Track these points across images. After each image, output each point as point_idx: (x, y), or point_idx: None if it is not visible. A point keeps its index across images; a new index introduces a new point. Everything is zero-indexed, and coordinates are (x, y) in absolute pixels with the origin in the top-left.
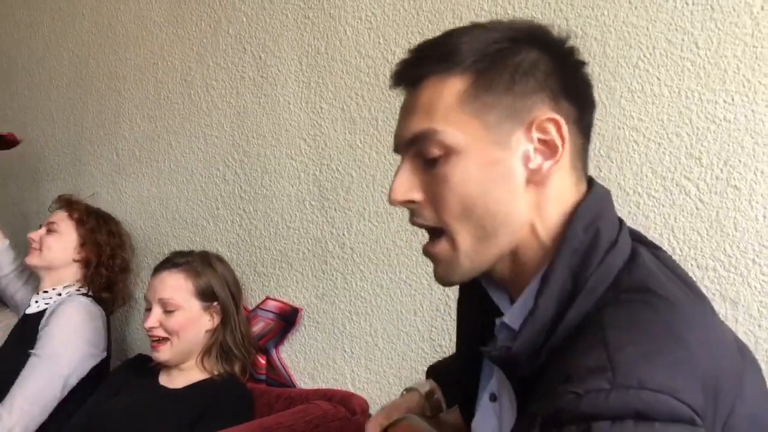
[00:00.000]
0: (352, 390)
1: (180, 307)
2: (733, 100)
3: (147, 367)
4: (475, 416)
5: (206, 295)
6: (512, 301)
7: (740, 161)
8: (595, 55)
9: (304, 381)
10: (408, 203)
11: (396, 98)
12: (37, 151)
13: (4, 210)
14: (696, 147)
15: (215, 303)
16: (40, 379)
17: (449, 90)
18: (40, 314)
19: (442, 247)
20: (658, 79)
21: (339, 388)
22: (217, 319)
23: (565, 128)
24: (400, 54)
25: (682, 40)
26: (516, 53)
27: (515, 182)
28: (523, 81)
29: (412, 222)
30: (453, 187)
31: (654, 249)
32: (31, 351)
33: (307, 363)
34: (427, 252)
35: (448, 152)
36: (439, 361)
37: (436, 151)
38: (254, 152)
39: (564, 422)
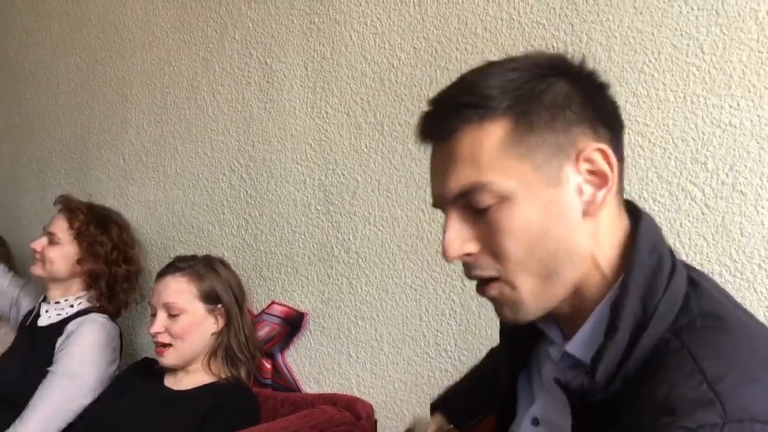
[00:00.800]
0: (357, 395)
1: (184, 310)
2: (738, 105)
3: (152, 370)
4: None
5: (210, 298)
6: (562, 330)
7: (746, 166)
8: (600, 60)
9: (309, 385)
10: (465, 257)
11: (401, 104)
12: (45, 156)
13: (10, 215)
14: (701, 152)
15: (219, 306)
16: (59, 399)
17: (490, 137)
18: (54, 327)
19: (501, 289)
20: (664, 84)
21: (344, 393)
22: (221, 322)
23: (612, 155)
24: (405, 59)
25: (688, 45)
26: (547, 88)
27: (573, 217)
28: (562, 115)
29: (469, 276)
30: (512, 235)
31: (702, 275)
32: (48, 369)
33: (312, 367)
34: (485, 295)
35: (502, 200)
36: (440, 395)
37: (488, 201)
38: (260, 157)
39: None
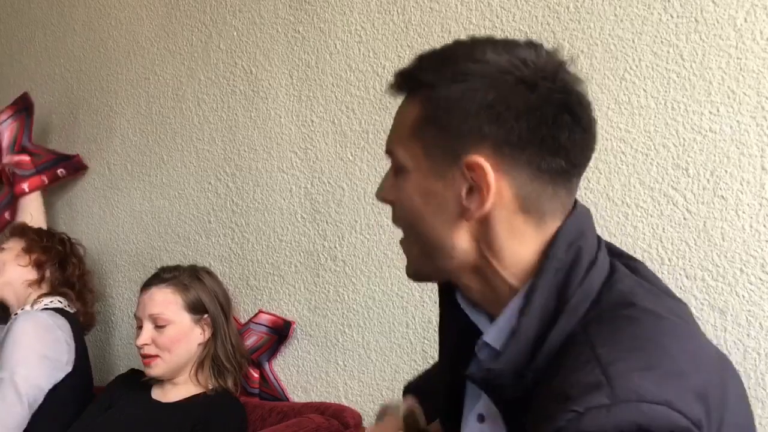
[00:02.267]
0: (345, 403)
1: (171, 321)
2: (718, 111)
3: (140, 381)
4: None
5: (196, 308)
6: (491, 320)
7: (726, 171)
8: (582, 68)
9: (297, 394)
10: (386, 202)
11: (386, 112)
12: None
13: None
14: (683, 158)
15: (205, 316)
16: (9, 407)
17: (409, 113)
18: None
19: (402, 245)
20: (645, 90)
21: (332, 401)
22: (208, 332)
23: (490, 174)
24: (390, 67)
25: (668, 52)
26: (466, 92)
27: (449, 215)
28: (461, 123)
29: (392, 220)
30: (401, 201)
31: (629, 260)
32: None
33: (300, 376)
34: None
35: (401, 170)
36: (416, 377)
37: (396, 165)
38: (246, 166)
39: None
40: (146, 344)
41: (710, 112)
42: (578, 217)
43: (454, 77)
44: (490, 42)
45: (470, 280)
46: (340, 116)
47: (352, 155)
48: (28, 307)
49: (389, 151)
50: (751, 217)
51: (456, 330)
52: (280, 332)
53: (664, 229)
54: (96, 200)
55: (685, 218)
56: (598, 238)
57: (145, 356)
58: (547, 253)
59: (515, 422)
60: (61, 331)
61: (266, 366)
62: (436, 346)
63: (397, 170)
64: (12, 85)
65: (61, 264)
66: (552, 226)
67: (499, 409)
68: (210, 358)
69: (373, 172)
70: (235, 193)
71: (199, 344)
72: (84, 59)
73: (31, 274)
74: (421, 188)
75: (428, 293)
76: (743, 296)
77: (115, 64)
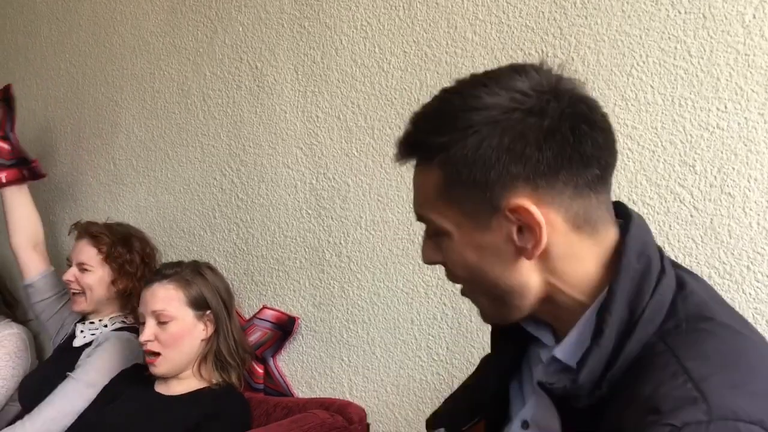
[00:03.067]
0: (349, 399)
1: (173, 317)
2: (726, 107)
3: (143, 376)
4: None
5: (198, 304)
6: (555, 334)
7: (734, 168)
8: (589, 64)
9: (301, 390)
10: (436, 264)
11: (391, 107)
12: None
13: (0, 221)
14: (690, 155)
15: (208, 312)
16: (71, 402)
17: (430, 181)
18: (86, 347)
19: (467, 296)
20: (652, 87)
21: (336, 397)
22: (211, 328)
23: (536, 212)
24: (396, 63)
25: (675, 48)
26: (481, 143)
27: (507, 259)
28: (487, 173)
29: (447, 277)
30: (453, 263)
31: (693, 276)
32: (68, 373)
33: (304, 372)
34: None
35: (441, 234)
36: (436, 411)
37: (432, 229)
38: (251, 161)
39: None
40: (149, 340)
41: (718, 109)
42: (639, 226)
43: (463, 133)
44: (479, 84)
45: (541, 307)
46: (346, 112)
47: (357, 151)
48: (116, 321)
49: (421, 219)
50: (759, 215)
51: (510, 340)
52: (285, 328)
53: (670, 226)
54: (101, 195)
55: (691, 215)
56: (659, 247)
57: (148, 354)
58: (620, 262)
59: (577, 430)
60: (141, 357)
61: (271, 361)
62: (441, 342)
63: (435, 234)
64: (18, 79)
65: None
66: (607, 234)
67: (560, 417)
68: (213, 354)
69: (378, 168)
70: (240, 188)
71: (202, 340)
72: (89, 54)
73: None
74: (470, 245)
75: (433, 290)
76: (750, 294)
77: (120, 59)
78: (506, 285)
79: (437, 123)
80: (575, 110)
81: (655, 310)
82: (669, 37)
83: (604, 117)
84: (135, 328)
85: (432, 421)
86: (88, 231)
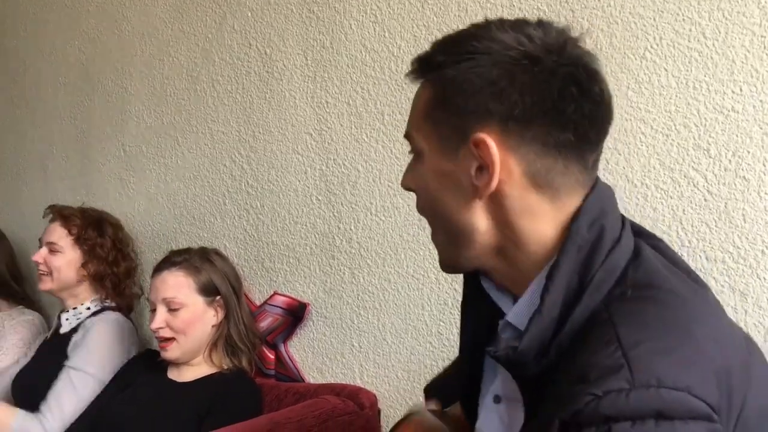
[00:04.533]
0: (360, 384)
1: (184, 305)
2: (741, 90)
3: (155, 362)
4: (479, 418)
5: (208, 290)
6: (515, 300)
7: (749, 152)
8: (602, 47)
9: (312, 376)
10: (409, 190)
11: (401, 92)
12: (45, 148)
13: (13, 208)
14: (704, 138)
15: (218, 297)
16: (79, 394)
17: (422, 97)
18: (73, 330)
19: (432, 238)
20: (666, 70)
21: (348, 383)
22: (221, 314)
23: (494, 149)
24: (405, 47)
25: (690, 30)
26: (471, 70)
27: (463, 194)
28: (467, 101)
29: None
30: (419, 187)
31: (654, 240)
32: (65, 363)
33: (315, 358)
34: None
35: (419, 154)
36: (435, 378)
37: (414, 151)
38: (260, 147)
39: (583, 424)
40: (161, 327)
41: (733, 92)
42: (599, 195)
43: (460, 57)
44: (498, 22)
45: (495, 263)
46: (356, 97)
47: (367, 136)
48: (98, 303)
49: (407, 137)
50: None
51: (479, 313)
52: (296, 314)
53: (684, 210)
54: (111, 182)
55: (705, 199)
56: (622, 217)
57: (160, 339)
58: (569, 230)
59: (535, 399)
60: (134, 335)
61: (282, 347)
62: (452, 328)
63: (415, 155)
64: (28, 66)
65: None
66: (570, 203)
67: (519, 386)
68: (223, 339)
69: (388, 154)
70: (250, 174)
71: (213, 326)
72: (99, 41)
73: None
74: (435, 170)
75: (444, 276)
76: (764, 278)
77: (129, 45)
78: (458, 222)
79: (446, 45)
80: (571, 71)
81: (604, 278)
82: (683, 19)
83: (602, 92)
84: (118, 308)
85: (429, 389)
86: (61, 213)
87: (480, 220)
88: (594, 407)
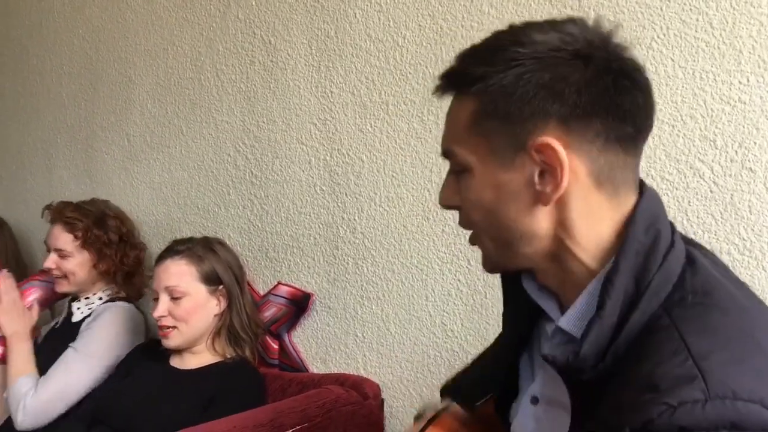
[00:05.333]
0: (364, 375)
1: (186, 293)
2: (748, 81)
3: (158, 351)
4: (516, 417)
5: (211, 280)
6: (561, 307)
7: (755, 143)
8: None
9: (316, 365)
10: (451, 208)
11: (406, 82)
12: (50, 137)
13: (17, 196)
14: (710, 129)
15: (220, 287)
16: (77, 375)
17: (464, 112)
18: (85, 319)
19: (476, 242)
20: (672, 60)
21: (351, 373)
22: (223, 303)
23: (561, 152)
24: (410, 37)
25: (697, 20)
26: (522, 76)
27: (524, 202)
28: (522, 107)
29: (459, 223)
30: (470, 201)
31: (702, 249)
32: (70, 344)
33: (319, 348)
34: (471, 243)
35: (465, 170)
36: (452, 378)
37: (457, 167)
38: (265, 137)
39: None
40: (163, 315)
41: (740, 82)
42: (651, 199)
43: (506, 64)
44: (532, 24)
45: (547, 265)
46: (360, 87)
47: (371, 127)
48: (111, 293)
49: (447, 154)
50: None
51: (518, 313)
52: (299, 304)
53: (689, 201)
54: (115, 171)
55: (711, 191)
56: (670, 222)
57: (162, 327)
58: (626, 234)
59: (585, 405)
60: (142, 325)
61: (285, 337)
62: (455, 319)
63: (458, 172)
64: (31, 55)
65: None
66: (626, 202)
67: (569, 391)
68: (226, 328)
69: (392, 144)
70: (254, 164)
71: (215, 315)
72: (102, 29)
73: None
74: (490, 183)
75: (448, 266)
76: None
77: (133, 34)
78: (517, 230)
79: (483, 55)
80: (622, 65)
81: (662, 283)
82: (690, 9)
83: (647, 81)
84: (128, 299)
85: (447, 389)
86: (61, 216)
87: (541, 225)
88: (668, 418)
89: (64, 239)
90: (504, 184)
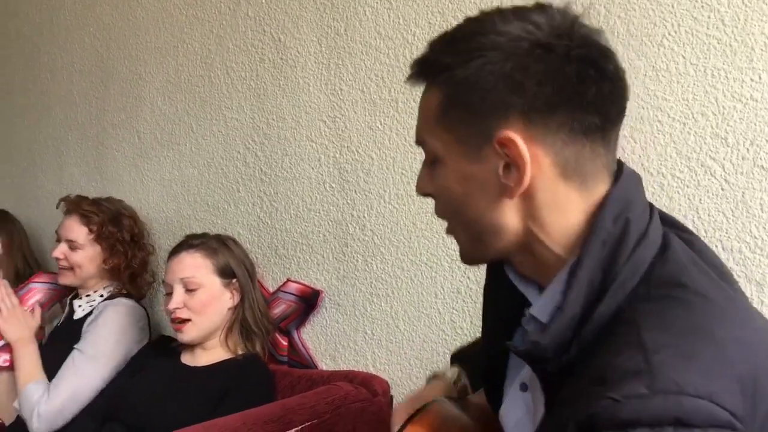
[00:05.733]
0: (373, 371)
1: (202, 284)
2: (760, 78)
3: (169, 347)
4: (504, 404)
5: (225, 273)
6: (540, 289)
7: (767, 141)
8: (619, 34)
9: (325, 362)
10: (426, 196)
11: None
12: (61, 134)
13: (28, 194)
14: (722, 126)
15: (234, 280)
16: (87, 377)
17: (432, 101)
18: (87, 316)
19: (450, 233)
20: (684, 57)
21: (360, 370)
22: (237, 297)
23: (522, 147)
24: (420, 34)
25: (709, 17)
26: (484, 67)
27: (490, 195)
28: (484, 99)
29: (435, 212)
30: (441, 191)
31: (685, 233)
32: (75, 346)
33: (328, 345)
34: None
35: (436, 160)
36: (463, 346)
37: (430, 156)
38: (274, 135)
39: (599, 428)
40: (178, 308)
41: (752, 80)
42: (625, 184)
43: (469, 55)
44: (498, 13)
45: (520, 256)
46: (370, 84)
47: (381, 124)
48: (112, 289)
49: (420, 143)
50: None
51: (502, 300)
52: (309, 301)
53: (700, 200)
54: (126, 169)
55: (722, 189)
56: (651, 206)
57: (176, 321)
58: (592, 225)
59: (555, 394)
60: (144, 321)
61: (295, 334)
62: (465, 316)
63: (431, 161)
64: (42, 53)
65: None
66: (596, 190)
67: (540, 380)
68: (239, 323)
69: (402, 141)
70: (263, 162)
71: (229, 308)
72: (113, 27)
73: None
74: (458, 174)
75: (457, 264)
76: None
77: (143, 32)
78: (486, 222)
79: (448, 44)
80: (585, 53)
81: (629, 275)
82: (702, 6)
83: (617, 69)
84: (130, 295)
85: (457, 356)
86: (78, 209)
87: (509, 218)
88: (611, 411)
89: (78, 231)
90: (471, 176)
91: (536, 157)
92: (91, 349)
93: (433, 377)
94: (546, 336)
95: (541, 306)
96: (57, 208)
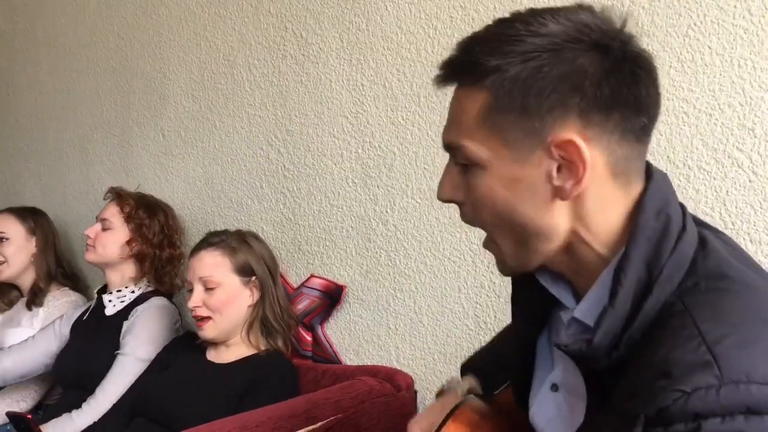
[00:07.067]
0: (397, 366)
1: (220, 284)
2: None
3: (195, 344)
4: (534, 404)
5: (244, 271)
6: (576, 294)
7: None
8: (644, 25)
9: (349, 357)
10: (452, 202)
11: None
12: (86, 133)
13: (55, 191)
14: (749, 117)
15: (254, 278)
16: (126, 378)
17: (473, 104)
18: (121, 314)
19: (490, 246)
20: (710, 48)
21: (384, 365)
22: (257, 294)
23: (584, 149)
24: (442, 29)
25: (735, 7)
26: (540, 69)
27: (541, 198)
28: (541, 101)
29: (461, 219)
30: (481, 199)
31: (716, 232)
32: (117, 352)
33: (352, 340)
34: (484, 247)
35: (474, 164)
36: (472, 356)
37: (465, 162)
38: (297, 131)
39: (672, 421)
40: (197, 306)
41: None
42: (660, 182)
43: (523, 56)
44: (545, 12)
45: (561, 257)
46: (391, 79)
47: (403, 119)
48: (142, 286)
49: (451, 147)
50: None
51: (531, 302)
52: (332, 296)
53: (727, 191)
54: (151, 166)
55: (750, 180)
56: (681, 204)
57: (197, 318)
58: (636, 221)
59: (600, 392)
60: (178, 317)
61: (319, 329)
62: (488, 311)
63: (465, 166)
64: (68, 53)
65: None
66: (635, 189)
67: (585, 380)
68: (259, 320)
69: (424, 136)
70: (286, 158)
71: (249, 306)
72: (137, 26)
73: None
74: (504, 178)
75: (480, 258)
76: None
77: (167, 30)
78: (535, 226)
79: (495, 45)
80: (636, 55)
81: (674, 269)
82: None
83: (656, 71)
84: (161, 292)
85: (467, 367)
86: (118, 194)
87: (559, 221)
88: (683, 404)
89: (111, 211)
90: (520, 180)
91: (593, 158)
92: (134, 354)
93: (445, 390)
94: (598, 335)
95: (584, 308)
96: (104, 198)
